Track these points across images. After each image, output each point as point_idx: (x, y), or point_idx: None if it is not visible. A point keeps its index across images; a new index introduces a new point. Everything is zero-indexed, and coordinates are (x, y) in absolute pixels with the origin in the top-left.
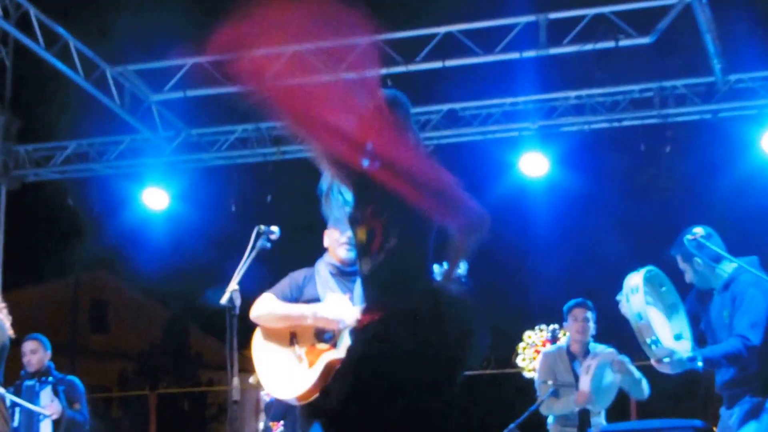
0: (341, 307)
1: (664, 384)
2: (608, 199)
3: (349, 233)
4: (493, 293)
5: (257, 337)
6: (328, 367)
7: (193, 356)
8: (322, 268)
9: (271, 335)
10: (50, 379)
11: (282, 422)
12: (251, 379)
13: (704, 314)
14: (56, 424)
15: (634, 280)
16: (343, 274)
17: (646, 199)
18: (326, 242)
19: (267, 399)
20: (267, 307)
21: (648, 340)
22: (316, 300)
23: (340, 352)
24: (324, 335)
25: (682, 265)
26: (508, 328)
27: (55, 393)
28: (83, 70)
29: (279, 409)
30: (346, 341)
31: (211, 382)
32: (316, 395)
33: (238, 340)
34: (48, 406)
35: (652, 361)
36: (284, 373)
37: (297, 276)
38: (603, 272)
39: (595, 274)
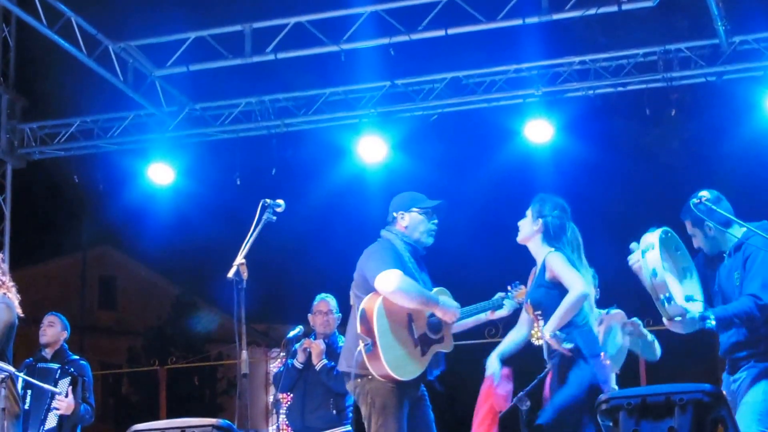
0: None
1: (675, 348)
2: (614, 164)
3: (436, 221)
4: (500, 260)
5: (380, 307)
6: (434, 360)
7: (202, 331)
8: (401, 246)
9: (392, 309)
10: (71, 369)
11: (291, 394)
12: (361, 348)
13: (714, 277)
14: (65, 416)
15: (650, 238)
16: (417, 253)
17: (652, 163)
18: (405, 222)
19: (275, 371)
20: (413, 287)
21: (662, 296)
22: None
23: (445, 347)
24: (435, 326)
25: (691, 230)
26: None
27: (74, 384)
28: (86, 46)
29: (288, 381)
30: (449, 337)
31: (221, 356)
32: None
33: (246, 314)
34: (62, 400)
35: (664, 320)
36: (403, 353)
37: (397, 253)
38: (609, 237)
39: (601, 238)
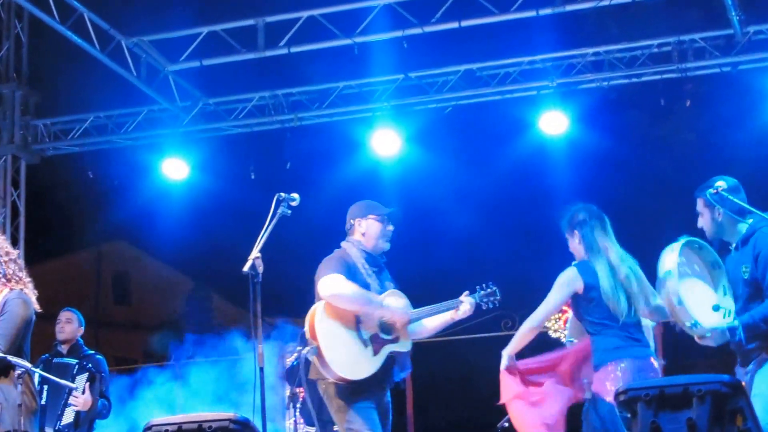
0: (404, 306)
1: (686, 341)
2: (628, 155)
3: (391, 227)
4: (516, 252)
5: (321, 311)
6: (389, 359)
7: (217, 325)
8: (356, 254)
9: (337, 313)
10: (88, 365)
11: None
12: (307, 352)
13: None
14: (81, 411)
15: (668, 262)
16: (375, 260)
17: (667, 154)
18: (363, 229)
19: (287, 365)
20: (350, 289)
21: (687, 324)
22: (365, 287)
23: (401, 346)
24: (387, 327)
25: (701, 209)
26: (530, 287)
27: (91, 380)
28: (99, 42)
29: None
30: (405, 337)
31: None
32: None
33: (262, 307)
34: (79, 396)
35: (695, 338)
36: (350, 354)
37: (345, 261)
38: (623, 228)
39: (615, 230)
